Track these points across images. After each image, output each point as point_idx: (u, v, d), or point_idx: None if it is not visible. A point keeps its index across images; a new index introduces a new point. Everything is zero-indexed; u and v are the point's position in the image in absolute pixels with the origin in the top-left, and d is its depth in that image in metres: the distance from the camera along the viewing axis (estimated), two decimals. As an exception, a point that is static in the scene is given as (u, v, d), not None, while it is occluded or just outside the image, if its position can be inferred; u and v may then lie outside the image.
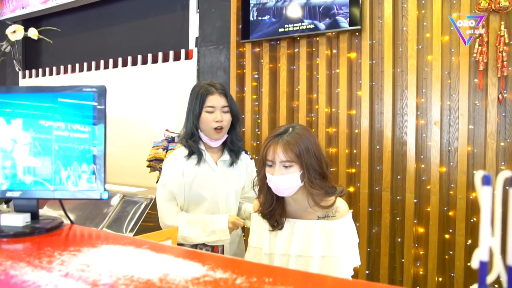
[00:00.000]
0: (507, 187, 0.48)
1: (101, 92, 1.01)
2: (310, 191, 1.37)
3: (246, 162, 1.89)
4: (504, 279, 0.49)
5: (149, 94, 3.80)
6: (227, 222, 1.68)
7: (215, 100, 1.72)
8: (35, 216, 1.05)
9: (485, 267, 0.50)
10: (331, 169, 2.70)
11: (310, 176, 1.35)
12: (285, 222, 1.43)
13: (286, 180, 1.34)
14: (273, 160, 1.36)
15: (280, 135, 1.36)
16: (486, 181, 0.49)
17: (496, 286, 0.65)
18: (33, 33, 1.76)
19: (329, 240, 1.38)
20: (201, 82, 1.82)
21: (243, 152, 1.88)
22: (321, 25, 2.74)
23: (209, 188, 1.76)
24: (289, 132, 1.37)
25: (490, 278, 0.50)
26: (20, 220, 1.00)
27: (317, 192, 1.37)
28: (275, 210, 1.43)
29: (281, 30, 2.89)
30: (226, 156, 1.81)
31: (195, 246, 1.75)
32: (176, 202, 1.74)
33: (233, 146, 1.81)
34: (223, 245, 1.78)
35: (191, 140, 1.74)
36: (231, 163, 1.81)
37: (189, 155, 1.74)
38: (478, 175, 0.50)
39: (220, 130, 1.73)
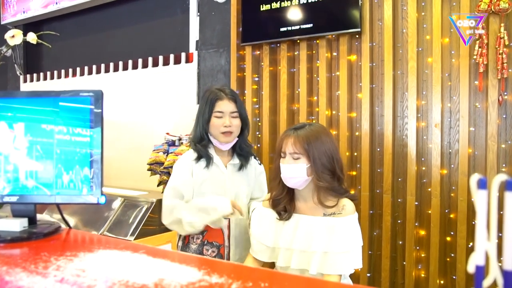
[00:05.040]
0: (506, 190, 0.48)
1: (98, 97, 1.02)
2: (317, 184, 1.44)
3: (255, 167, 1.88)
4: (500, 283, 0.49)
5: (149, 97, 3.80)
6: (226, 198, 1.66)
7: (224, 106, 1.73)
8: (32, 221, 1.05)
9: (481, 271, 0.50)
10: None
11: (317, 170, 1.43)
12: (291, 215, 1.51)
13: (292, 170, 1.44)
14: (285, 152, 1.47)
15: (295, 129, 1.48)
16: (482, 184, 0.49)
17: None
18: (32, 37, 1.76)
19: (332, 237, 1.42)
20: (212, 87, 1.83)
21: (252, 157, 1.88)
22: (321, 28, 2.74)
23: (219, 190, 1.76)
24: (304, 128, 1.48)
25: (486, 283, 0.49)
26: (18, 225, 0.99)
27: (322, 185, 1.43)
28: (284, 198, 1.52)
29: (281, 32, 2.89)
30: (236, 160, 1.81)
31: (201, 246, 1.75)
32: (182, 201, 1.73)
33: (241, 151, 1.82)
34: (229, 247, 1.76)
35: (200, 144, 1.75)
36: (240, 167, 1.82)
37: (198, 158, 1.75)
38: (474, 178, 0.49)
39: (229, 134, 1.74)
